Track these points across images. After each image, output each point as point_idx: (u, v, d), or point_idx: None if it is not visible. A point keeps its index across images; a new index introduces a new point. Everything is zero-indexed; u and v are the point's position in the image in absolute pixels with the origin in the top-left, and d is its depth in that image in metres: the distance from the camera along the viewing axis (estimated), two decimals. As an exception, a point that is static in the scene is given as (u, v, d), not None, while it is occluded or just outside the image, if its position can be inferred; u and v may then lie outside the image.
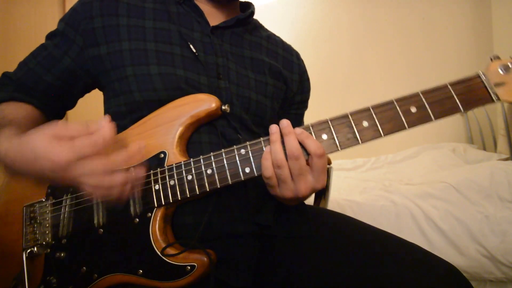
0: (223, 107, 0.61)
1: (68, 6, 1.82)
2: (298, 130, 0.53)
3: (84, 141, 0.45)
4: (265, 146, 0.54)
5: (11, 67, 0.70)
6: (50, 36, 0.70)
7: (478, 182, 1.34)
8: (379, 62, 2.87)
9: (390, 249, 0.59)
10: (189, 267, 0.52)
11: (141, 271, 0.54)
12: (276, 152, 0.51)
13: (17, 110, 0.64)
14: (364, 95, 2.79)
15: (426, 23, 2.73)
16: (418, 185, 1.52)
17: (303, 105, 0.85)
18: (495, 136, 2.25)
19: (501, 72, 0.50)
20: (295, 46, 0.85)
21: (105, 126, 0.47)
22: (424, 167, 2.04)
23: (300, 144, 0.52)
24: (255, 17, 0.78)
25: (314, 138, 0.53)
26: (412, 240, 0.63)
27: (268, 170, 0.52)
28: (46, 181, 0.50)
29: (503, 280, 1.20)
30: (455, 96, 0.51)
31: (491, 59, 0.52)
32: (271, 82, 0.73)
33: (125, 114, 0.64)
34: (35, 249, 0.58)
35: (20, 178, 0.53)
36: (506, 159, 1.83)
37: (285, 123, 0.53)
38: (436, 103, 0.51)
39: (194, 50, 0.65)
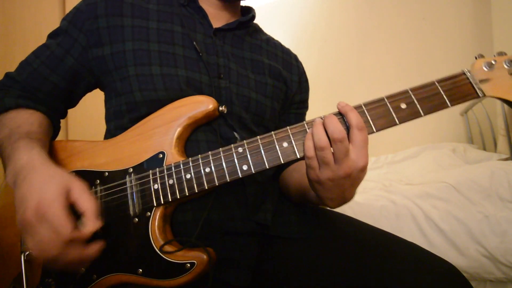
0: (220, 108, 0.62)
1: (68, 6, 1.82)
2: (342, 103, 0.53)
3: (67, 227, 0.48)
4: (262, 144, 0.55)
5: (11, 67, 0.70)
6: (53, 35, 0.69)
7: (478, 182, 1.34)
8: (379, 61, 2.87)
9: (390, 249, 0.60)
10: (188, 265, 0.53)
11: (140, 270, 0.54)
12: (317, 134, 0.50)
13: (30, 119, 0.64)
14: (363, 94, 2.78)
15: (426, 23, 2.73)
16: (418, 185, 1.52)
17: (303, 105, 0.86)
18: (495, 136, 2.25)
19: (485, 69, 0.53)
20: (294, 46, 0.86)
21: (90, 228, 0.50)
22: (424, 167, 2.04)
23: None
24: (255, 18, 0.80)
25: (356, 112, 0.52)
26: (412, 240, 0.63)
27: (310, 150, 0.52)
28: (17, 207, 0.52)
29: (503, 280, 1.20)
30: (442, 92, 0.53)
31: (476, 58, 0.55)
32: (271, 83, 0.74)
33: (124, 113, 0.65)
34: None
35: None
36: (506, 159, 1.82)
37: (343, 106, 0.52)
38: (425, 99, 0.53)
39: (198, 49, 0.66)
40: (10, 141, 0.58)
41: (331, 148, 0.50)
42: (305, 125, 0.54)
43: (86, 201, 0.51)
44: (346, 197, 0.57)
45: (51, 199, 0.49)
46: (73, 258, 0.49)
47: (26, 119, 0.63)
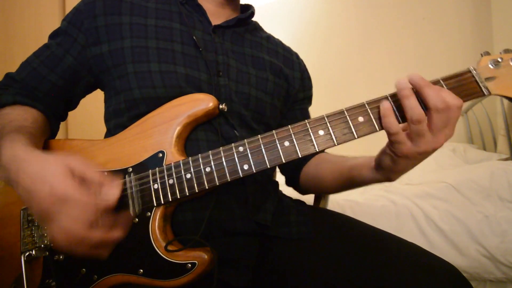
0: (220, 106, 0.61)
1: (68, 6, 1.82)
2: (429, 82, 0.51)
3: (89, 197, 0.46)
4: (263, 143, 0.54)
5: (11, 67, 0.70)
6: (53, 36, 0.70)
7: (478, 182, 1.34)
8: (379, 61, 2.88)
9: (390, 249, 0.59)
10: (189, 265, 0.52)
11: (141, 270, 0.54)
12: (413, 107, 0.48)
13: (24, 115, 0.63)
14: (364, 94, 2.79)
15: (426, 23, 2.73)
16: (418, 185, 1.52)
17: (307, 100, 0.86)
18: (495, 136, 2.25)
19: (491, 66, 0.52)
20: (294, 45, 0.85)
21: (114, 194, 0.48)
22: (424, 167, 2.03)
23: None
24: (255, 18, 0.80)
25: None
26: (412, 240, 0.63)
27: (393, 126, 0.50)
28: (26, 201, 0.49)
29: (503, 280, 1.20)
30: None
31: (481, 55, 0.54)
32: (272, 79, 0.74)
33: (123, 111, 0.65)
34: (33, 252, 0.58)
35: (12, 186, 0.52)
36: (506, 159, 1.83)
37: (416, 77, 0.50)
38: None
39: (197, 42, 0.65)
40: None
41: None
42: (307, 124, 0.54)
43: (93, 172, 0.49)
44: (413, 167, 0.56)
45: (60, 179, 0.46)
46: (99, 239, 0.47)
47: (20, 115, 0.62)
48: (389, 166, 0.55)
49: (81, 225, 0.45)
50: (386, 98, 0.52)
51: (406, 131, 0.51)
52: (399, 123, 0.51)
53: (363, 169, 0.62)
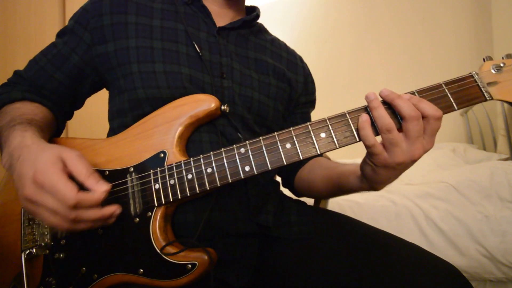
0: (222, 107, 0.61)
1: (68, 7, 1.82)
2: (406, 95, 0.51)
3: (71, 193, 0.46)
4: (264, 144, 0.54)
5: (11, 67, 0.70)
6: (60, 34, 0.71)
7: (478, 182, 1.34)
8: (380, 62, 2.87)
9: (390, 249, 0.60)
10: (189, 266, 0.52)
11: (141, 270, 0.54)
12: (382, 117, 0.49)
13: (35, 110, 0.64)
14: (363, 95, 2.78)
15: (426, 23, 2.73)
16: (418, 185, 1.52)
17: (309, 105, 0.85)
18: (495, 136, 2.25)
19: (493, 71, 0.52)
20: (296, 46, 0.85)
21: (100, 194, 0.48)
22: (424, 167, 2.04)
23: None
24: (261, 17, 0.79)
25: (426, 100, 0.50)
26: (412, 240, 0.63)
27: (369, 138, 0.50)
28: (16, 187, 0.50)
29: (503, 280, 1.20)
30: (449, 95, 0.52)
31: (484, 60, 0.53)
32: (275, 83, 0.74)
33: (127, 111, 0.65)
34: (34, 250, 0.58)
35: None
36: (506, 159, 1.83)
37: (385, 91, 0.51)
38: (431, 102, 0.52)
39: (198, 50, 0.65)
40: (9, 126, 0.58)
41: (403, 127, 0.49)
42: (309, 126, 0.54)
43: (84, 167, 0.49)
44: (395, 178, 0.55)
45: (46, 167, 0.47)
46: (88, 222, 0.48)
47: (31, 110, 0.64)
48: (371, 176, 0.55)
49: (60, 219, 0.47)
50: (365, 109, 0.52)
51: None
52: (377, 134, 0.51)
53: (350, 176, 0.61)
